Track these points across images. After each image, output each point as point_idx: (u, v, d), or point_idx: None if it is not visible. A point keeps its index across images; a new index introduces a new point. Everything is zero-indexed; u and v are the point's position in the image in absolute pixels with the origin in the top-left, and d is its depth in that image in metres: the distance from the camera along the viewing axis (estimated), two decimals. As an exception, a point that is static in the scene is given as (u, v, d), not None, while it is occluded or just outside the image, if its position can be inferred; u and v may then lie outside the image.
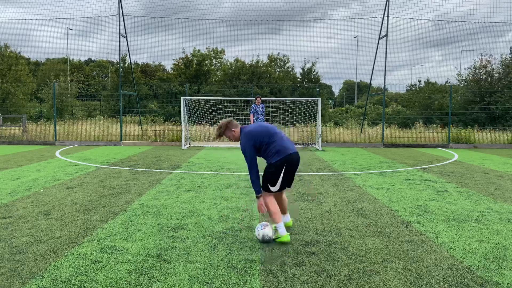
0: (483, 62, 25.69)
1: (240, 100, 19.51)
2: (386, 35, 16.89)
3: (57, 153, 12.86)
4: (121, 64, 22.47)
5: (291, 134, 18.03)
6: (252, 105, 13.70)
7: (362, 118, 20.33)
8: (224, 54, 41.45)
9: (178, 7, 22.26)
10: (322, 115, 18.01)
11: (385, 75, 17.93)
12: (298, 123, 18.90)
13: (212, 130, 18.25)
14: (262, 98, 14.51)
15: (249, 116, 14.09)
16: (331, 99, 51.35)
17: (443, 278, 3.32)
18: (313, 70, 34.42)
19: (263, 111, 13.69)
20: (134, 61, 45.18)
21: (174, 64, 38.51)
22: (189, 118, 16.90)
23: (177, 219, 5.04)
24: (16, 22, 28.63)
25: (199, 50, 37.58)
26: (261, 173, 4.27)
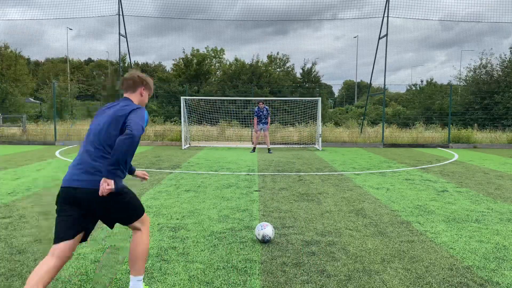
0: (483, 62, 25.68)
1: (240, 100, 19.50)
2: (386, 35, 16.90)
3: (57, 153, 12.86)
4: (121, 64, 22.46)
5: (291, 134, 18.03)
6: (256, 109, 13.74)
7: (362, 118, 20.33)
8: (224, 54, 41.41)
9: (189, 9, 22.43)
10: (322, 115, 18.01)
11: (385, 75, 17.94)
12: (298, 123, 18.90)
13: (212, 130, 18.26)
14: (263, 99, 14.52)
15: (249, 116, 14.16)
16: (331, 99, 51.34)
17: (443, 278, 3.32)
18: (313, 70, 34.40)
19: (268, 113, 13.71)
20: (134, 61, 45.16)
21: (174, 64, 38.49)
22: (189, 118, 16.90)
23: (177, 219, 5.04)
24: (17, 22, 28.63)
25: (198, 50, 37.52)
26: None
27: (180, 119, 16.37)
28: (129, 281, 3.22)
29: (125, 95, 2.88)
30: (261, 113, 13.58)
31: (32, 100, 34.36)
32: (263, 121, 13.62)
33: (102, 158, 2.59)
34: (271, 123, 18.29)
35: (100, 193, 2.49)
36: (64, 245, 2.57)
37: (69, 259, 2.67)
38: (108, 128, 2.63)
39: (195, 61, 36.15)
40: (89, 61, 63.02)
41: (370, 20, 22.92)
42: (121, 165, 2.50)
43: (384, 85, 18.25)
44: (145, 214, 2.89)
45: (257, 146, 14.86)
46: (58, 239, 2.59)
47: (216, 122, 18.63)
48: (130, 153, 2.51)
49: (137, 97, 2.88)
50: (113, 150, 2.46)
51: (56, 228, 2.62)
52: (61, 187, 2.65)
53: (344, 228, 4.70)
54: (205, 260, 3.67)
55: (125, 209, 2.74)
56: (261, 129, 13.75)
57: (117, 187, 2.54)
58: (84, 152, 2.66)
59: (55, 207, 2.69)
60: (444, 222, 5.01)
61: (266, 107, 13.77)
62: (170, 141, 17.08)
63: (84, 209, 2.61)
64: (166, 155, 12.44)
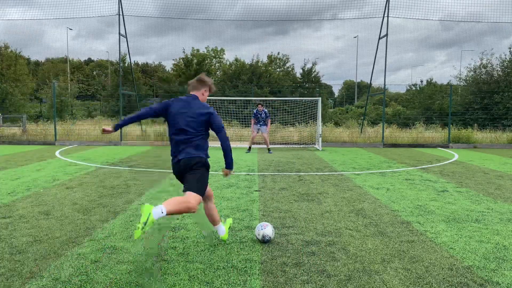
0: (484, 62, 25.66)
1: (240, 100, 19.50)
2: (386, 35, 16.90)
3: (57, 153, 12.86)
4: (121, 64, 22.46)
5: (291, 134, 18.03)
6: (254, 111, 13.82)
7: (362, 118, 20.33)
8: (224, 54, 41.41)
9: (189, 9, 22.48)
10: (322, 115, 18.01)
11: (385, 75, 17.94)
12: (298, 123, 18.90)
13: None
14: (263, 99, 14.52)
15: (249, 116, 14.21)
16: (331, 99, 51.36)
17: (443, 278, 3.32)
18: (313, 70, 34.40)
19: (267, 116, 13.72)
20: (134, 61, 45.22)
21: (174, 64, 38.50)
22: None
23: (177, 219, 5.04)
24: (17, 22, 28.64)
25: (198, 50, 37.53)
26: None
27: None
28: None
29: (192, 92, 3.83)
30: (259, 115, 13.62)
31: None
32: (261, 123, 13.66)
33: (189, 141, 3.65)
34: (272, 123, 18.28)
35: (225, 177, 3.95)
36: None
37: (212, 196, 4.06)
38: (192, 123, 3.65)
39: (195, 61, 36.17)
40: (89, 61, 63.06)
41: (370, 20, 22.92)
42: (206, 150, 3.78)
43: (384, 85, 18.26)
44: (200, 198, 3.58)
45: (257, 146, 14.85)
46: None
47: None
48: (229, 147, 3.82)
49: (200, 96, 3.83)
50: (225, 152, 3.81)
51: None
52: (172, 163, 3.73)
53: (344, 228, 4.70)
54: (205, 260, 3.67)
55: (195, 180, 3.62)
56: (258, 129, 13.76)
57: (205, 160, 3.73)
58: (175, 138, 3.69)
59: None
60: (444, 222, 5.01)
61: (265, 110, 13.80)
62: (170, 141, 17.09)
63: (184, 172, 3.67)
64: (166, 155, 12.44)
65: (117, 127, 3.85)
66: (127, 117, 3.91)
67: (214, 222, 4.12)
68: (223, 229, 4.17)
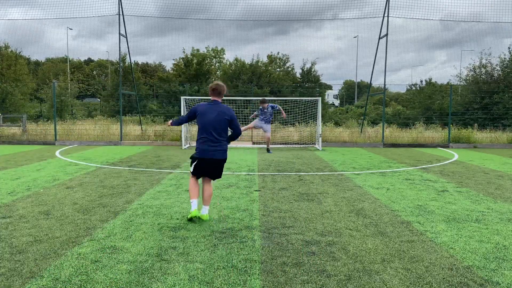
0: (483, 62, 25.64)
1: (240, 100, 19.49)
2: (386, 35, 16.90)
3: (57, 153, 12.86)
4: (121, 64, 22.46)
5: (291, 134, 18.03)
6: (260, 107, 13.66)
7: (362, 118, 20.33)
8: (224, 54, 41.39)
9: (190, 9, 22.44)
10: (322, 115, 18.00)
11: (385, 75, 17.94)
12: (298, 123, 18.88)
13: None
14: (266, 99, 14.34)
15: (250, 116, 14.21)
16: (334, 98, 51.33)
17: (443, 278, 3.33)
18: (312, 70, 34.40)
19: (275, 110, 13.59)
20: (134, 61, 45.22)
21: (174, 64, 38.47)
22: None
23: (177, 219, 5.04)
24: (17, 22, 28.62)
25: (198, 50, 37.50)
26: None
27: (180, 119, 16.31)
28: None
29: (215, 98, 5.01)
30: (263, 112, 13.47)
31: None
32: (265, 119, 13.48)
33: (219, 140, 4.88)
34: (272, 123, 18.26)
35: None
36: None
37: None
38: (220, 124, 4.86)
39: (195, 61, 36.12)
40: (89, 61, 63.05)
41: (370, 20, 22.86)
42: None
43: (384, 85, 18.25)
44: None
45: (257, 146, 14.83)
46: (197, 176, 5.08)
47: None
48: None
49: (220, 100, 5.04)
50: (236, 135, 5.07)
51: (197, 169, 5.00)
52: (200, 156, 4.90)
53: (344, 228, 4.70)
54: (205, 260, 3.67)
55: (220, 171, 5.10)
56: (261, 127, 13.69)
57: (226, 157, 5.03)
58: (208, 137, 4.84)
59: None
60: (444, 222, 5.01)
61: (271, 105, 13.55)
62: (170, 141, 17.09)
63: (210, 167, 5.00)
64: (166, 155, 12.44)
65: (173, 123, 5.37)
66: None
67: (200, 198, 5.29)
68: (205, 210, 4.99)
